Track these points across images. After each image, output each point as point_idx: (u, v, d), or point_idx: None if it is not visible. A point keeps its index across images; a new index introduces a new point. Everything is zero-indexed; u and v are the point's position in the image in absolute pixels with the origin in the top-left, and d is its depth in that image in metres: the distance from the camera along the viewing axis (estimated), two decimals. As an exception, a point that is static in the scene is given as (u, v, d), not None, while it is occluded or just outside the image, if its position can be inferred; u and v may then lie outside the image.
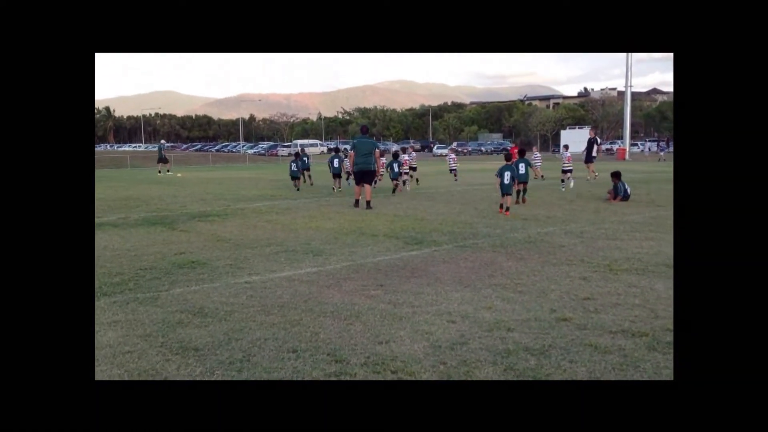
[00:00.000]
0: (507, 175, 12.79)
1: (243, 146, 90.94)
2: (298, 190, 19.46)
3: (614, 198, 14.56)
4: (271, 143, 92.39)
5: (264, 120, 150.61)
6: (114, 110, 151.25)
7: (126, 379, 3.89)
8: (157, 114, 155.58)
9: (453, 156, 25.66)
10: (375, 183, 16.27)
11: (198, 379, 3.87)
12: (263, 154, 73.62)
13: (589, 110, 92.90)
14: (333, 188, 19.31)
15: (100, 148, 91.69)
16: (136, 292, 6.11)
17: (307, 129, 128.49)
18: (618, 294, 5.85)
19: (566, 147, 21.82)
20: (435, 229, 10.31)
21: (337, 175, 19.42)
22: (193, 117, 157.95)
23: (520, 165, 14.49)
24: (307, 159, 22.35)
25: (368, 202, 13.73)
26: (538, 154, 25.31)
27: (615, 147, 58.56)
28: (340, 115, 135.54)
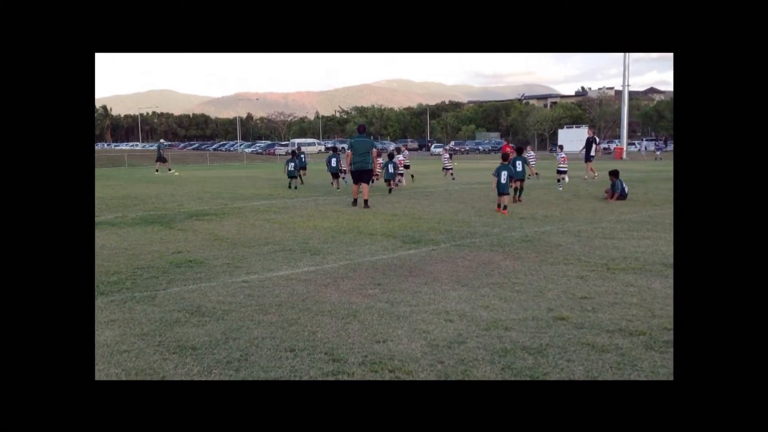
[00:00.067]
0: (504, 175, 12.83)
1: (240, 145, 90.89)
2: (295, 188, 19.46)
3: (611, 197, 14.57)
4: (269, 142, 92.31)
5: (261, 119, 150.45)
6: (111, 109, 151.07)
7: (123, 377, 3.88)
8: (154, 113, 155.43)
9: (447, 155, 26.26)
10: (372, 182, 16.32)
11: (195, 377, 3.87)
12: (261, 153, 73.57)
13: (586, 109, 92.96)
14: (332, 183, 19.63)
15: (97, 147, 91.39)
16: (133, 291, 6.10)
17: (304, 128, 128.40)
18: (615, 293, 5.86)
19: (561, 147, 21.89)
20: (432, 228, 10.31)
21: (335, 174, 19.52)
22: (191, 116, 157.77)
23: (518, 162, 14.55)
24: (304, 157, 22.35)
25: (366, 201, 13.73)
26: (533, 153, 25.44)
27: (612, 146, 58.62)
28: (337, 114, 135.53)
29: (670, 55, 2.97)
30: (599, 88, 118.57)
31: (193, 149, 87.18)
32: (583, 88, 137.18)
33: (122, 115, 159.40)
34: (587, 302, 5.53)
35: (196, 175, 30.81)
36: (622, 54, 55.16)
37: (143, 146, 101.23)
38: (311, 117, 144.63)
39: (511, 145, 22.31)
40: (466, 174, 27.36)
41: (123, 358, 4.20)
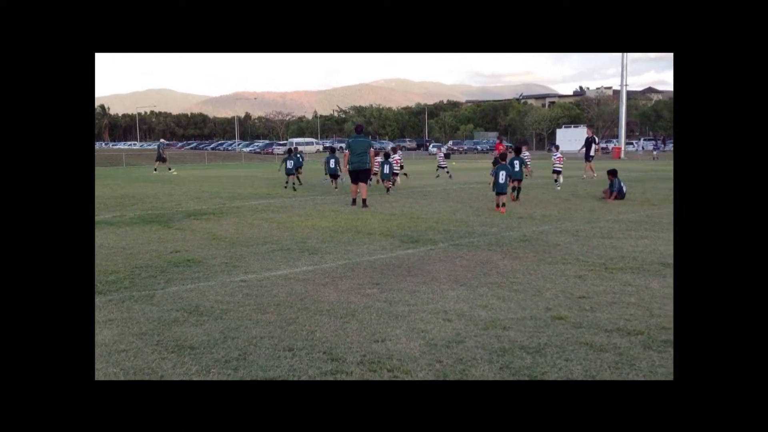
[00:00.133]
0: (502, 174, 12.86)
1: (238, 144, 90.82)
2: (293, 188, 19.47)
3: (609, 197, 14.59)
4: (267, 141, 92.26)
5: (259, 118, 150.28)
6: (109, 108, 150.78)
7: (122, 377, 3.88)
8: (152, 112, 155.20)
9: (441, 155, 26.80)
10: (371, 181, 16.37)
11: (194, 377, 3.87)
12: (259, 153, 73.52)
13: (584, 109, 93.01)
14: (331, 182, 19.73)
15: (95, 146, 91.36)
16: (131, 290, 6.10)
17: (302, 127, 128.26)
18: (613, 292, 5.87)
19: (557, 147, 21.94)
20: (431, 228, 10.32)
21: (334, 175, 19.53)
22: (189, 115, 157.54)
23: (516, 162, 14.59)
24: (300, 157, 22.34)
25: (364, 201, 13.73)
26: (527, 153, 25.55)
27: (610, 146, 58.71)
28: (335, 114, 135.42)
29: (668, 54, 2.98)
30: (597, 88, 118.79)
31: (191, 148, 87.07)
32: (581, 87, 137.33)
33: (120, 115, 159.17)
34: (585, 302, 5.53)
35: (194, 174, 30.78)
36: (620, 54, 55.22)
37: (141, 145, 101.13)
38: (309, 116, 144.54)
39: (504, 143, 22.37)
40: (464, 173, 27.37)
41: (121, 358, 4.20)
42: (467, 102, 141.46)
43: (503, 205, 12.68)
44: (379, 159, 19.03)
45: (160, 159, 32.72)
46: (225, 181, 24.59)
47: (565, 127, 73.08)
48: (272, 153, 68.16)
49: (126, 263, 7.45)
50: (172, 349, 4.37)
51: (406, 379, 3.81)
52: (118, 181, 25.01)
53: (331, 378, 3.84)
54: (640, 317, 5.04)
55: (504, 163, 13.54)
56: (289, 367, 4.00)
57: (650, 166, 32.83)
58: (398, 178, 20.58)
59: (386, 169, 18.33)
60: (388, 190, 17.94)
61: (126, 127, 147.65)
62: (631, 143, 67.26)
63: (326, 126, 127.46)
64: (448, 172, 24.50)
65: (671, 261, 7.14)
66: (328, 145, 42.21)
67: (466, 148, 75.47)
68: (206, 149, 79.16)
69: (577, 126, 70.37)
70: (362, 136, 14.73)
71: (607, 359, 4.09)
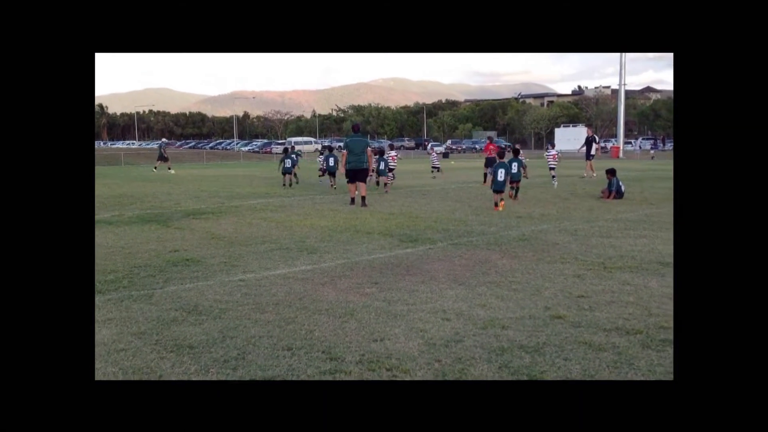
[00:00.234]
0: (501, 173, 12.89)
1: (237, 144, 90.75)
2: (290, 186, 19.56)
3: (608, 196, 14.60)
4: (266, 141, 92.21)
5: (258, 117, 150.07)
6: (107, 107, 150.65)
7: (121, 376, 3.88)
8: (150, 111, 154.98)
9: (435, 154, 27.32)
10: (370, 177, 16.43)
11: (193, 376, 3.87)
12: (257, 152, 73.51)
13: (583, 108, 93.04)
14: (330, 182, 19.75)
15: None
16: (130, 289, 6.09)
17: (301, 126, 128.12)
18: (612, 292, 5.87)
19: (553, 146, 22.10)
20: (429, 227, 10.32)
21: (332, 173, 19.60)
22: (187, 114, 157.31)
23: (514, 164, 14.59)
24: (297, 156, 22.38)
25: (363, 198, 13.75)
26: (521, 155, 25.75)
27: (609, 145, 58.77)
28: (334, 113, 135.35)
29: (667, 54, 2.99)
30: (596, 87, 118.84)
31: (190, 148, 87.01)
32: (579, 87, 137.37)
33: (119, 114, 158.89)
34: (584, 301, 5.54)
35: (193, 173, 30.77)
36: (618, 53, 55.21)
37: (140, 145, 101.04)
38: (308, 116, 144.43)
39: (495, 143, 22.42)
40: (463, 173, 27.39)
41: (120, 357, 4.20)
42: (466, 101, 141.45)
43: (501, 200, 12.77)
44: (374, 157, 19.10)
45: (162, 158, 32.69)
46: (223, 180, 24.59)
47: (563, 126, 73.09)
48: (271, 152, 68.17)
49: (125, 262, 7.44)
50: (170, 348, 4.37)
51: (405, 378, 3.82)
52: (117, 180, 24.99)
53: (329, 377, 3.84)
54: (638, 316, 5.04)
55: (503, 161, 13.57)
56: (287, 366, 4.00)
57: (648, 166, 32.87)
58: (392, 174, 20.56)
59: (382, 166, 18.39)
60: (383, 185, 18.00)
61: (124, 127, 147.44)
62: (630, 142, 67.30)
63: (325, 125, 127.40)
64: (438, 170, 24.94)
65: (670, 260, 7.15)
66: (326, 144, 42.22)
67: (464, 147, 75.47)
68: (205, 148, 79.15)
69: (575, 125, 70.41)
70: (360, 135, 14.72)
71: (605, 358, 4.10)
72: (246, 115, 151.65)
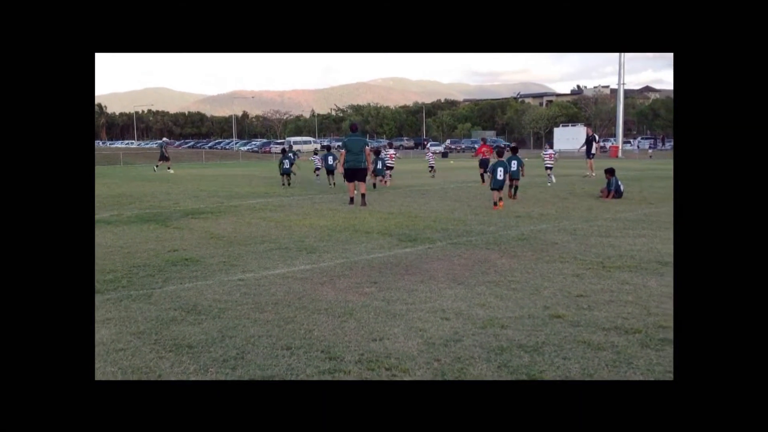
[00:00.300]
0: (500, 171, 12.90)
1: (236, 143, 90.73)
2: (289, 185, 19.64)
3: (607, 195, 14.61)
4: (264, 140, 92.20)
5: (257, 117, 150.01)
6: (106, 107, 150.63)
7: (120, 376, 3.88)
8: (149, 111, 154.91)
9: (431, 153, 27.47)
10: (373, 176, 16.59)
11: (192, 376, 3.87)
12: (256, 151, 73.52)
13: (582, 108, 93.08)
14: (327, 179, 19.92)
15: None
16: (129, 289, 6.09)
17: (300, 126, 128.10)
18: (611, 291, 5.87)
19: (549, 145, 22.33)
20: (428, 227, 10.32)
21: (330, 172, 19.69)
22: (186, 114, 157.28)
23: (513, 162, 14.63)
24: (294, 155, 22.42)
25: (363, 195, 13.77)
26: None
27: (608, 144, 58.82)
28: (333, 113, 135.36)
29: (665, 53, 2.98)
30: (595, 87, 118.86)
31: (189, 147, 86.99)
32: (578, 86, 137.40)
33: (117, 113, 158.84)
34: (583, 300, 5.54)
35: (192, 173, 30.76)
36: (617, 53, 55.20)
37: (139, 144, 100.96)
38: (307, 115, 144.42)
39: (489, 144, 22.46)
40: (462, 172, 27.39)
41: (119, 357, 4.20)
42: (465, 101, 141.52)
43: (500, 199, 12.80)
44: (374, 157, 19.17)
45: (163, 158, 32.68)
46: (222, 179, 24.58)
47: (562, 125, 73.09)
48: (270, 152, 68.18)
49: (124, 262, 7.44)
50: (170, 348, 4.37)
51: (405, 377, 3.82)
52: (116, 180, 24.98)
53: (329, 377, 3.84)
54: (637, 316, 5.05)
55: (502, 159, 13.59)
56: (287, 365, 4.00)
57: (647, 165, 32.87)
58: (389, 173, 20.65)
59: (379, 165, 18.45)
60: (375, 186, 18.05)
61: (123, 126, 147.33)
62: (629, 142, 67.34)
63: (324, 125, 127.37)
64: (431, 169, 25.19)
65: (669, 259, 7.16)
66: (325, 144, 42.28)
67: (463, 146, 75.47)
68: (204, 148, 79.13)
69: (574, 125, 70.42)
70: (358, 134, 14.72)
71: (604, 357, 4.10)
72: (245, 115, 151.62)
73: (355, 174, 13.97)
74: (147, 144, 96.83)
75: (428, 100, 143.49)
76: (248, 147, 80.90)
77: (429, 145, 45.67)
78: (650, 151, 49.82)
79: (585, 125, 52.25)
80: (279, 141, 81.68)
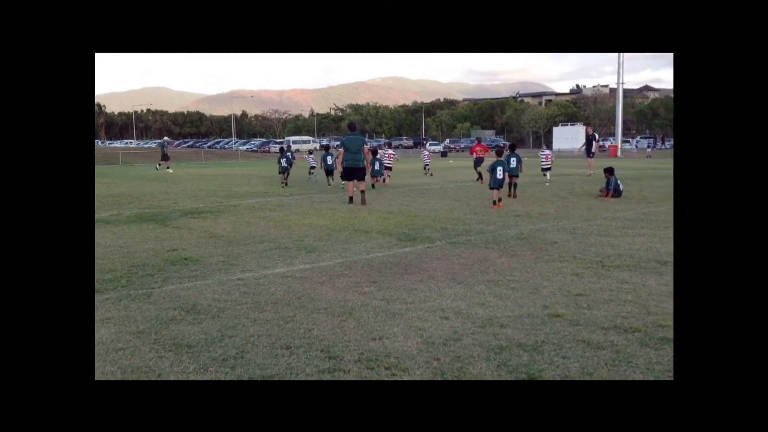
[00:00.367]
0: (499, 170, 12.92)
1: (235, 143, 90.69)
2: (287, 185, 19.68)
3: (606, 194, 14.62)
4: (264, 140, 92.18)
5: (256, 116, 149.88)
6: (105, 107, 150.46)
7: (119, 375, 3.88)
8: (148, 110, 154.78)
9: (426, 153, 27.87)
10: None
11: (191, 375, 3.87)
12: (255, 151, 73.51)
13: (581, 107, 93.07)
14: (326, 178, 20.05)
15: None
16: (128, 289, 6.09)
17: (299, 125, 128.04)
18: (610, 290, 5.88)
19: (547, 146, 22.48)
20: (428, 226, 10.32)
21: (329, 171, 19.70)
22: (185, 113, 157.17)
23: (512, 159, 14.68)
24: (291, 155, 22.47)
25: (363, 192, 13.79)
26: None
27: (607, 144, 58.85)
28: (332, 112, 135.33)
29: (665, 53, 2.98)
30: (594, 86, 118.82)
31: (188, 147, 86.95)
32: (577, 85, 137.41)
33: (116, 113, 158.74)
34: (582, 299, 5.55)
35: (191, 172, 30.75)
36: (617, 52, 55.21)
37: (138, 144, 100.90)
38: (306, 115, 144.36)
39: (483, 144, 22.53)
40: (461, 172, 27.38)
41: (119, 356, 4.20)
42: (464, 100, 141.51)
43: (500, 199, 12.81)
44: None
45: (164, 157, 32.69)
46: (222, 179, 24.57)
47: (561, 125, 73.12)
48: (269, 151, 68.21)
49: (123, 262, 7.44)
50: (169, 347, 4.37)
51: (404, 376, 3.82)
52: (115, 179, 24.97)
53: (328, 376, 3.84)
54: (636, 315, 5.05)
55: (501, 159, 13.60)
56: (286, 365, 4.00)
57: (646, 164, 32.88)
58: (388, 173, 20.69)
59: (376, 165, 18.48)
60: (373, 186, 18.07)
61: (122, 126, 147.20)
62: (628, 141, 67.34)
63: (323, 124, 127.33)
64: (428, 171, 25.28)
65: (668, 259, 7.16)
66: (324, 143, 42.39)
67: (462, 146, 75.47)
68: (203, 147, 79.10)
69: (573, 124, 70.45)
70: (356, 133, 14.74)
71: (604, 356, 4.10)
72: (244, 114, 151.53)
73: (353, 173, 13.99)
74: (146, 143, 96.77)
75: (427, 100, 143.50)
76: (247, 146, 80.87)
77: (428, 144, 45.60)
78: (649, 150, 49.77)
79: (584, 124, 52.27)
80: (278, 141, 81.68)
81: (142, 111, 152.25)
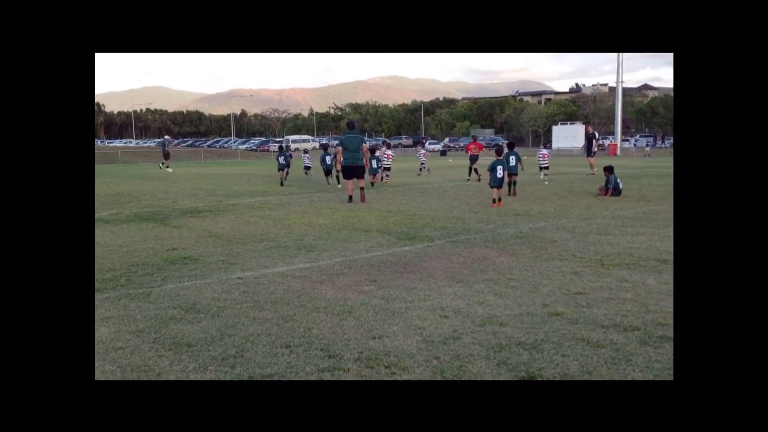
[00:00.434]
0: (499, 169, 12.93)
1: (234, 142, 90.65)
2: (285, 180, 19.79)
3: (606, 193, 14.62)
4: (263, 139, 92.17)
5: (256, 115, 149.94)
6: (104, 106, 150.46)
7: (119, 374, 3.88)
8: (148, 110, 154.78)
9: (423, 152, 27.94)
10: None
11: (191, 374, 3.87)
12: (255, 150, 73.52)
13: (580, 106, 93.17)
14: (325, 178, 20.10)
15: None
16: (128, 288, 6.09)
17: (299, 125, 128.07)
18: (610, 289, 5.88)
19: (544, 145, 22.59)
20: (427, 225, 10.32)
21: (328, 171, 19.72)
22: (185, 112, 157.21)
23: (511, 157, 14.71)
24: (290, 154, 22.49)
25: (362, 189, 13.81)
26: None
27: (606, 142, 58.87)
28: (332, 111, 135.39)
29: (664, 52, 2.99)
30: (593, 85, 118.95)
31: (187, 146, 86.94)
32: (577, 84, 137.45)
33: (116, 112, 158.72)
34: (582, 298, 5.55)
35: (191, 171, 30.74)
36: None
37: (137, 143, 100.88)
38: (305, 114, 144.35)
39: (478, 142, 22.54)
40: (460, 171, 27.37)
41: (118, 355, 4.20)
42: (463, 99, 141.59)
43: (500, 199, 12.81)
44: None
45: (166, 156, 32.74)
46: (221, 178, 24.57)
47: (561, 123, 73.14)
48: (268, 150, 68.22)
49: (122, 261, 7.44)
50: (169, 346, 4.37)
51: (404, 375, 3.82)
52: (114, 178, 24.96)
53: (328, 375, 3.84)
54: (636, 313, 5.05)
55: (500, 158, 13.61)
56: (286, 364, 4.00)
57: (645, 163, 32.88)
58: (387, 173, 20.69)
59: (374, 164, 18.50)
60: (372, 184, 18.08)
61: (122, 125, 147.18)
62: (627, 140, 67.35)
63: (322, 123, 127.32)
64: (422, 168, 25.33)
65: (667, 257, 7.17)
66: (323, 143, 42.44)
67: (462, 144, 75.48)
68: (202, 146, 79.09)
69: (573, 123, 70.46)
70: (355, 132, 14.75)
71: (603, 355, 4.11)
72: (243, 113, 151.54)
73: (353, 171, 14.00)
74: (145, 143, 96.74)
75: (427, 99, 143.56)
76: (247, 146, 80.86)
77: (428, 143, 45.54)
78: (648, 148, 49.77)
79: (584, 123, 52.27)
80: (277, 140, 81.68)
81: (141, 110, 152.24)
